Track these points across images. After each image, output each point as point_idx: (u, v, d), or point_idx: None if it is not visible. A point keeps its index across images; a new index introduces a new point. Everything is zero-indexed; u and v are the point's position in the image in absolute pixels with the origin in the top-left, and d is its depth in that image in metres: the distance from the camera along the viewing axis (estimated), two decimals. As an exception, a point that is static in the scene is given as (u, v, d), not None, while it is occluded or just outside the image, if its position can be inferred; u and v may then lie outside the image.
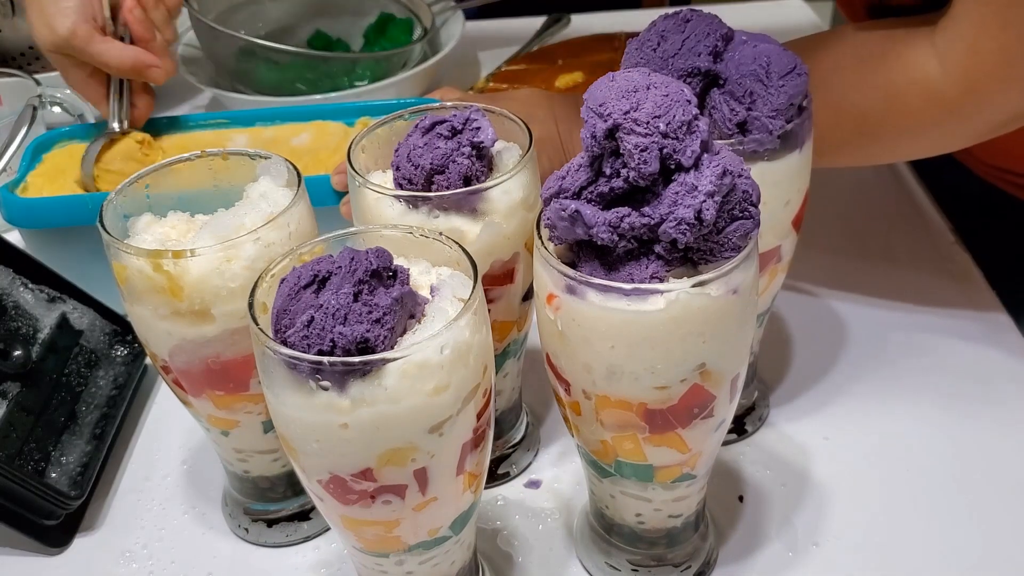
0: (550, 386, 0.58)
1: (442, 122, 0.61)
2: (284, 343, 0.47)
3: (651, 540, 0.63)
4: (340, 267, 0.47)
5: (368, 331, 0.46)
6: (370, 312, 0.46)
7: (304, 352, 0.46)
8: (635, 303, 0.49)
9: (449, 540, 0.56)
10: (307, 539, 0.69)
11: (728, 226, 0.50)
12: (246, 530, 0.69)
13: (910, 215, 0.96)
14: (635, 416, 0.53)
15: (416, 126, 0.62)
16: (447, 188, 0.60)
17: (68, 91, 1.00)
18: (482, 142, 0.61)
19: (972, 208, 0.99)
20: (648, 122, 0.48)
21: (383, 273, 0.48)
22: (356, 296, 0.46)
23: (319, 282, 0.47)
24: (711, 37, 0.60)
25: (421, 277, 0.52)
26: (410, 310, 0.49)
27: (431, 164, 0.60)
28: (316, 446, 0.49)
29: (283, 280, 0.48)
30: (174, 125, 0.94)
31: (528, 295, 0.66)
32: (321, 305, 0.46)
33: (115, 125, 0.89)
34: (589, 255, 0.51)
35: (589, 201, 0.50)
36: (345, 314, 0.46)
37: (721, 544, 0.67)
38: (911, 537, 0.66)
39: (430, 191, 0.60)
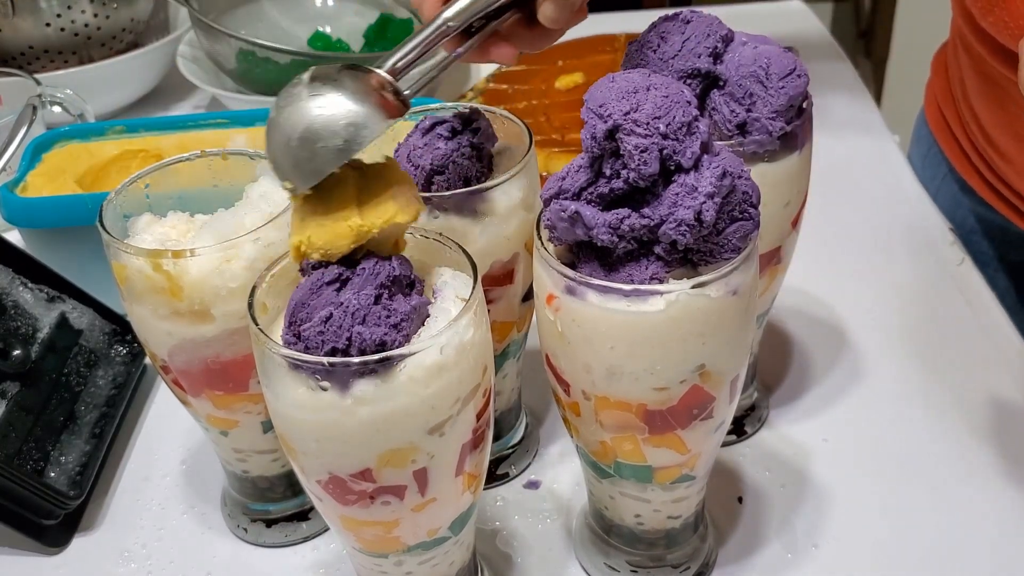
0: (550, 386, 0.58)
1: (442, 122, 0.61)
2: (298, 335, 0.47)
3: (650, 541, 0.63)
4: (364, 269, 0.47)
5: (386, 335, 0.46)
6: (389, 316, 0.46)
7: (317, 348, 0.46)
8: (635, 304, 0.49)
9: (448, 541, 0.56)
10: (306, 539, 0.69)
11: (728, 227, 0.50)
12: (245, 530, 0.69)
13: (910, 215, 0.96)
14: (634, 417, 0.53)
15: (416, 126, 0.62)
16: (447, 189, 0.60)
17: (68, 91, 1.01)
18: (482, 143, 0.61)
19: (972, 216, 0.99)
20: (648, 123, 0.48)
21: (403, 281, 0.48)
22: (377, 299, 0.47)
23: (341, 281, 0.47)
24: (711, 38, 0.60)
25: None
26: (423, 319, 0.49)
27: (431, 164, 0.60)
28: (315, 446, 0.49)
29: (305, 274, 0.49)
30: (174, 125, 0.94)
31: (528, 296, 0.66)
32: (341, 303, 0.46)
33: None
34: (589, 256, 0.51)
35: (589, 202, 0.50)
36: (364, 315, 0.46)
37: (720, 545, 0.67)
38: (910, 538, 0.66)
39: (430, 191, 0.60)
